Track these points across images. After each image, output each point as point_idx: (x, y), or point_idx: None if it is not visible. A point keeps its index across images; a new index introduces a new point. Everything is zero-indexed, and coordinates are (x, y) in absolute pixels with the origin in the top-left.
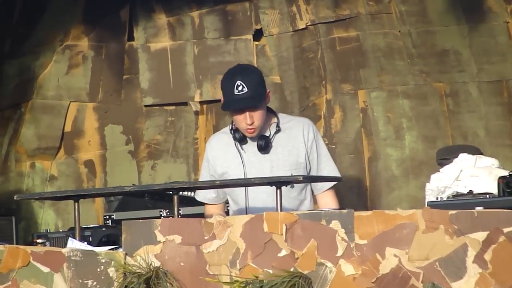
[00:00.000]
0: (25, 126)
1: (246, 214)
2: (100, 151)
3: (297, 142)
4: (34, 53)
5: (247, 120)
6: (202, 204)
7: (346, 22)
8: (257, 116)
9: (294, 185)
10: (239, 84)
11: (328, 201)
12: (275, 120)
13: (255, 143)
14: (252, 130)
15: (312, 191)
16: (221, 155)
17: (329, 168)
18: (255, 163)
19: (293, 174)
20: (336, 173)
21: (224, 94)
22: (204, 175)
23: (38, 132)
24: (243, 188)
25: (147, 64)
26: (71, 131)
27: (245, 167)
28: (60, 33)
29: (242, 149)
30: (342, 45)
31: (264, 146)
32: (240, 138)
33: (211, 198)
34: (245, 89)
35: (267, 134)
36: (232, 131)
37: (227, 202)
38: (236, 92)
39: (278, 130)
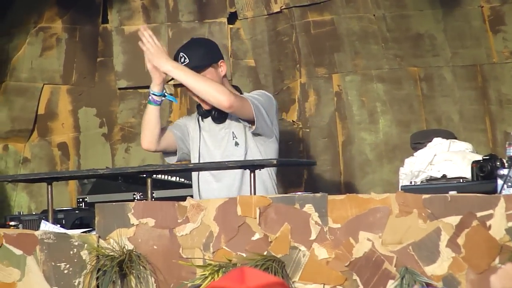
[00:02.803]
0: None
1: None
2: (74, 134)
3: None
4: (7, 35)
5: None
6: (176, 187)
7: (320, 6)
8: None
9: (239, 143)
10: (181, 55)
11: None
12: None
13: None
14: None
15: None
16: (190, 129)
17: None
18: (210, 131)
19: (249, 138)
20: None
21: None
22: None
23: (12, 114)
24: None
25: (121, 46)
26: (45, 114)
27: (200, 141)
28: (34, 15)
29: (203, 121)
30: (317, 28)
31: (217, 116)
32: (203, 113)
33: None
34: (187, 60)
35: None
36: (197, 107)
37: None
38: (179, 63)
39: None
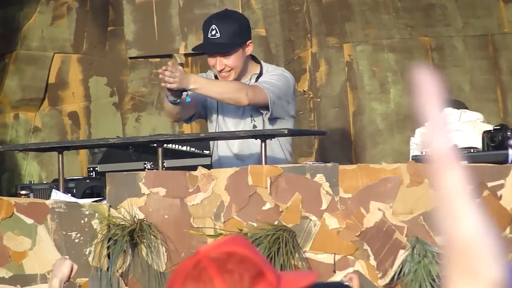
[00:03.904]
0: (9, 77)
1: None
2: (84, 103)
3: None
4: (18, 4)
5: (217, 66)
6: (186, 156)
7: None
8: (229, 63)
9: (257, 126)
10: (213, 28)
11: None
12: (257, 69)
13: None
14: (225, 76)
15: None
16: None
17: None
18: (228, 107)
19: (266, 121)
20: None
21: (203, 36)
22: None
23: (22, 83)
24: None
25: (131, 15)
26: (55, 83)
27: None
28: None
29: None
30: None
31: None
32: None
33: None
34: (218, 35)
35: (246, 82)
36: (214, 76)
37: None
38: (209, 36)
39: (257, 80)
